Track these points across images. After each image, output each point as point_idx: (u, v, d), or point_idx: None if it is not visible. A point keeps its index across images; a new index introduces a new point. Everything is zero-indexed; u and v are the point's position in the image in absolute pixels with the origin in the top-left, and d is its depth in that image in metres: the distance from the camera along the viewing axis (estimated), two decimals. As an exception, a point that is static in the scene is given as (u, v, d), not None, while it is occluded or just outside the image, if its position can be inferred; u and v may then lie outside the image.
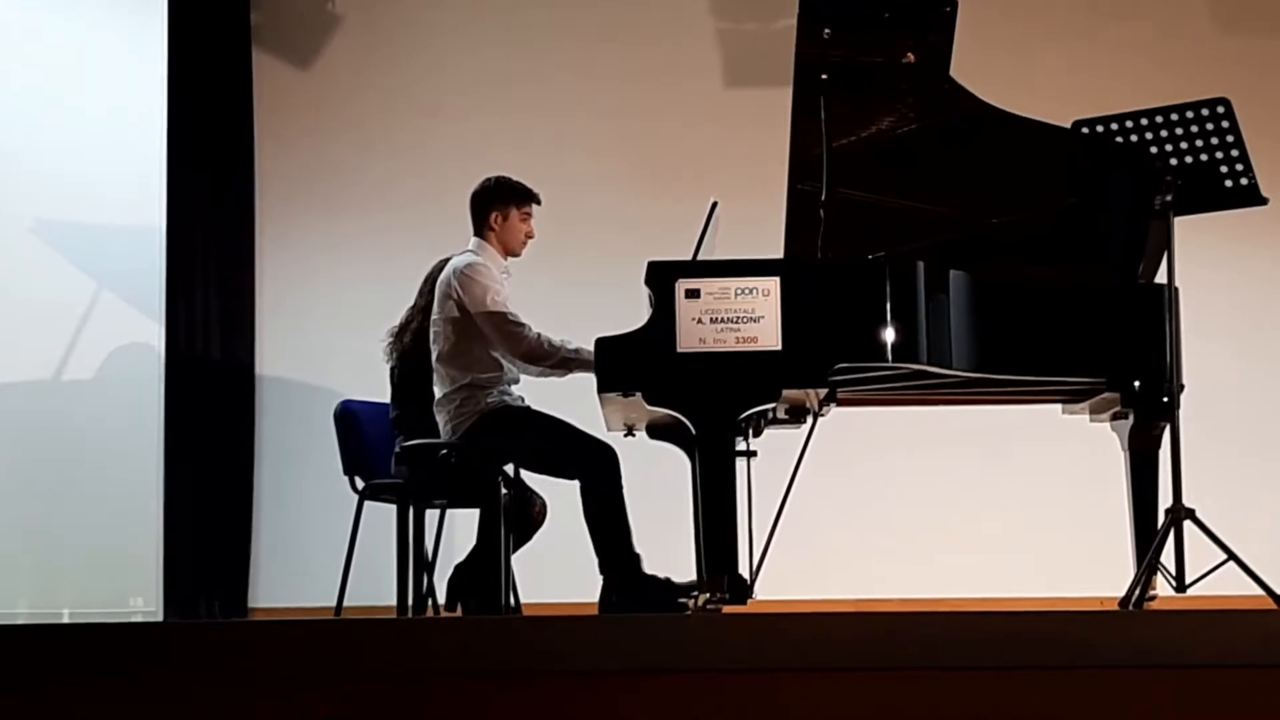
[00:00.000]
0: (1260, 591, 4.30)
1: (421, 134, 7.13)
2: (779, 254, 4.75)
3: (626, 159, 7.09)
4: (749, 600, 4.54)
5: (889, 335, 4.30)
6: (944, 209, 4.82)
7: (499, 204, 5.20)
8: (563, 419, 5.07)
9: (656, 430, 4.99)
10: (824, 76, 4.57)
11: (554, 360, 4.99)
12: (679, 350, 4.32)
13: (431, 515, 5.44)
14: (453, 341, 5.10)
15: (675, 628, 3.55)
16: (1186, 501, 4.38)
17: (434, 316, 5.16)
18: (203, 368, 6.87)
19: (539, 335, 5.00)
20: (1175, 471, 4.39)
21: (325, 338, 6.99)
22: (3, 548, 6.37)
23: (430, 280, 5.30)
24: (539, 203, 5.24)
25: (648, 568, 4.90)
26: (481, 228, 5.22)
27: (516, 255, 5.25)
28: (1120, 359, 4.59)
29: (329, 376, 6.77)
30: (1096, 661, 3.15)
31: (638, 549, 4.90)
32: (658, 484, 5.13)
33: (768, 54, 6.69)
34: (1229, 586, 4.30)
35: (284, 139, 7.14)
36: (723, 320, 4.31)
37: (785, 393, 4.42)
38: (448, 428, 5.12)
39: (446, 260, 5.24)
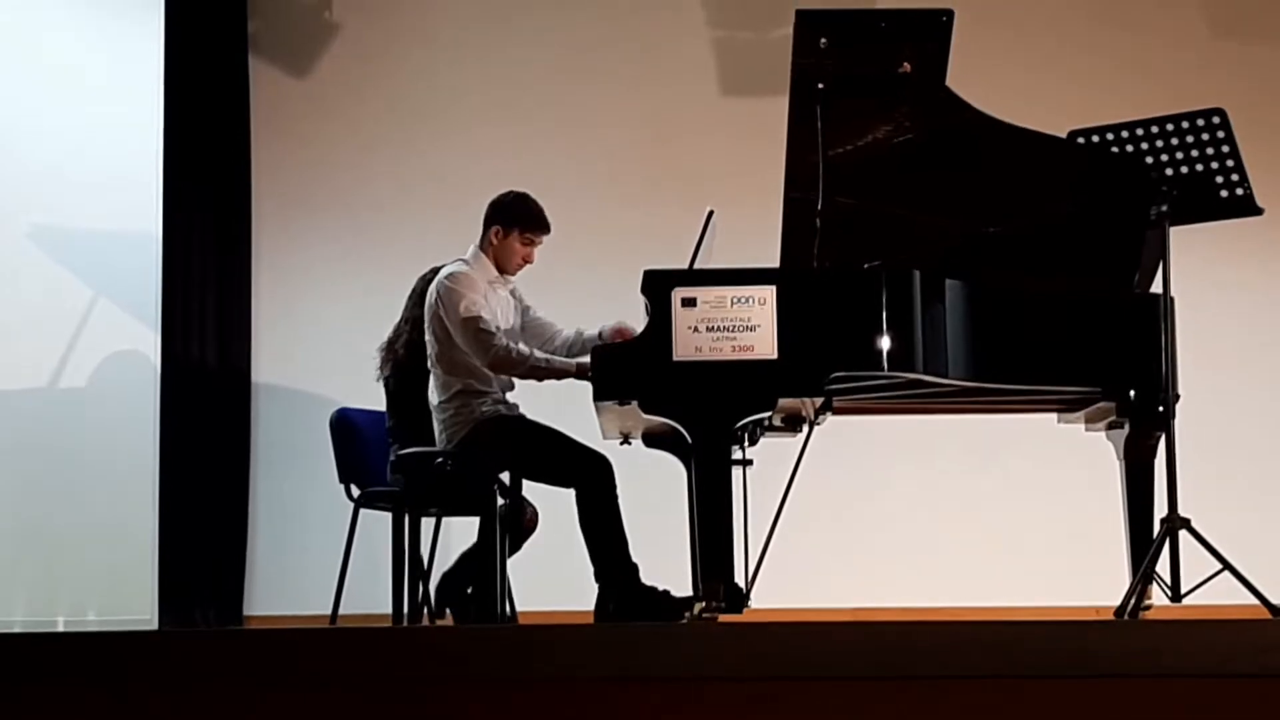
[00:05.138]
0: (1255, 601, 4.30)
1: (418, 142, 7.14)
2: (775, 263, 4.76)
3: (623, 167, 7.10)
4: (745, 609, 4.54)
5: (885, 344, 4.31)
6: (940, 218, 4.82)
7: (504, 222, 5.17)
8: (556, 428, 5.07)
9: (653, 439, 4.99)
10: (820, 86, 4.57)
11: (522, 369, 4.99)
12: (675, 359, 4.32)
13: (427, 523, 5.43)
14: (440, 350, 5.11)
15: (671, 636, 3.55)
16: (1182, 511, 4.39)
17: (425, 323, 5.17)
18: (199, 375, 6.87)
19: (508, 344, 4.99)
20: (1170, 481, 4.40)
21: (321, 345, 6.99)
22: (-2, 555, 6.38)
23: (418, 291, 5.31)
24: (548, 232, 5.21)
25: (644, 577, 4.90)
26: (483, 238, 5.22)
27: (508, 274, 5.24)
28: (1116, 369, 4.60)
29: (325, 384, 6.77)
30: (1092, 671, 3.15)
31: (635, 559, 4.90)
32: (654, 492, 5.14)
33: (764, 63, 6.70)
34: (1224, 596, 4.31)
35: (281, 147, 7.14)
36: (719, 329, 4.31)
37: (781, 401, 4.42)
38: (443, 436, 5.13)
39: (437, 270, 5.25)
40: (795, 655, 3.19)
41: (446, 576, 5.29)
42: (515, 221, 5.17)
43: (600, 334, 5.11)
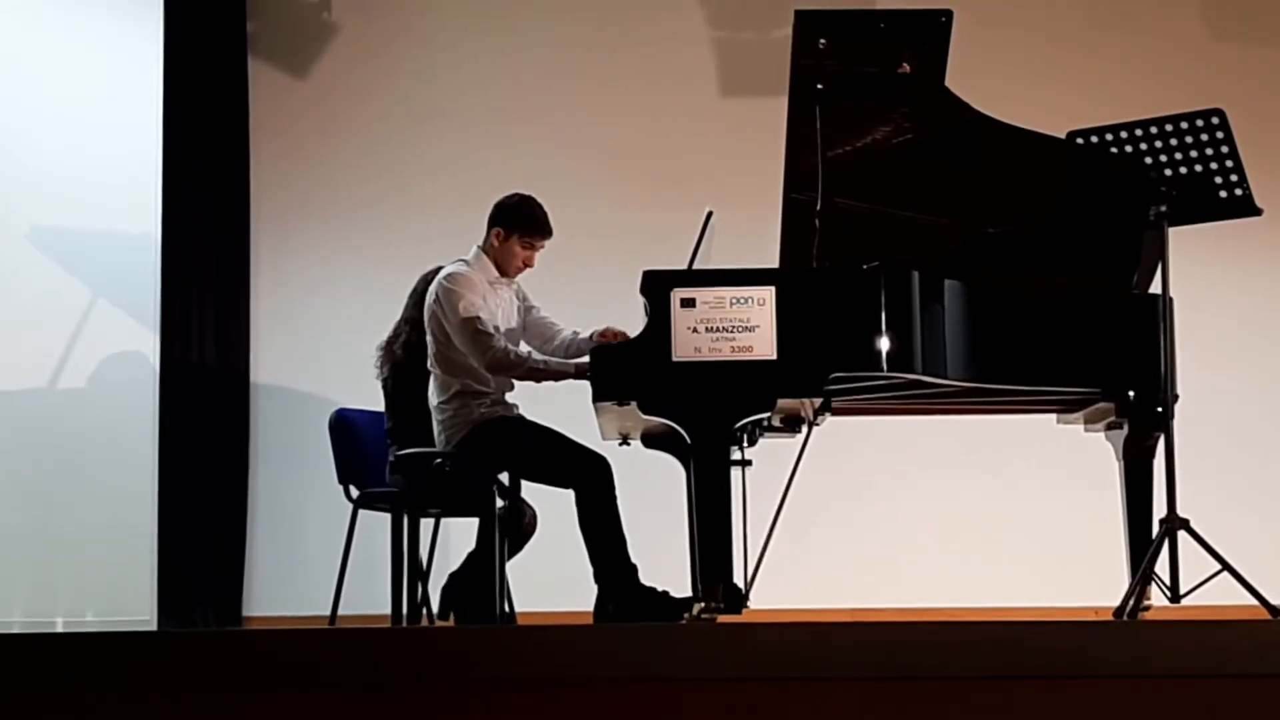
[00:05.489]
0: (1254, 601, 4.30)
1: (417, 142, 7.14)
2: (775, 263, 4.76)
3: (622, 168, 7.10)
4: (744, 609, 4.54)
5: (884, 344, 4.31)
6: (939, 219, 4.83)
7: (505, 225, 5.16)
8: (555, 428, 5.07)
9: (652, 439, 4.99)
10: (819, 86, 4.57)
11: (520, 371, 4.98)
12: (674, 359, 4.32)
13: (426, 524, 5.43)
14: (439, 350, 5.11)
15: (670, 637, 3.55)
16: (1181, 511, 4.39)
17: (425, 323, 5.17)
18: (198, 376, 6.87)
19: (505, 345, 4.99)
20: (1170, 481, 4.40)
21: (320, 346, 6.98)
22: (-3, 555, 6.37)
23: (417, 292, 5.31)
24: (549, 237, 5.19)
25: (644, 577, 4.90)
26: (485, 239, 5.21)
27: (508, 277, 5.24)
28: (1115, 369, 4.60)
29: (324, 385, 6.77)
30: (1091, 672, 3.15)
31: (634, 559, 4.90)
32: (653, 493, 5.14)
33: (764, 63, 6.70)
34: (1223, 597, 4.31)
35: (280, 147, 7.13)
36: (718, 329, 4.31)
37: (780, 402, 4.42)
38: (442, 436, 5.12)
39: (435, 270, 5.24)
40: (794, 655, 3.19)
41: (454, 577, 5.28)
42: (516, 225, 5.16)
43: (591, 338, 5.08)
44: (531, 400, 5.21)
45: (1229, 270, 6.90)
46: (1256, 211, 4.61)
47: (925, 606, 6.50)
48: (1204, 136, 4.59)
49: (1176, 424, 4.49)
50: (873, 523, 6.87)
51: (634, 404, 4.38)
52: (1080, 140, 4.69)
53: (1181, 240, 4.60)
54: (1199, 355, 5.86)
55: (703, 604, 4.37)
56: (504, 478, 5.18)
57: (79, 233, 6.63)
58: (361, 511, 5.40)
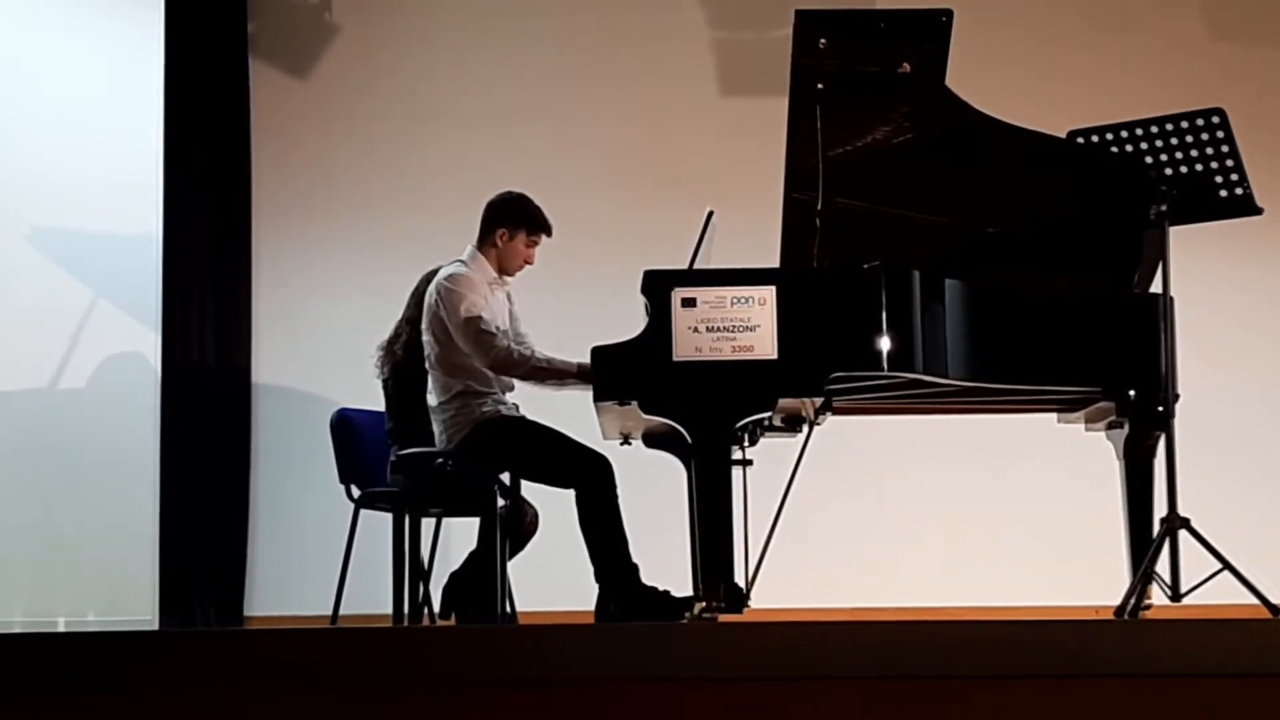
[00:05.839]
0: (1255, 600, 4.30)
1: (418, 143, 7.14)
2: (775, 263, 4.76)
3: (623, 168, 7.10)
4: (745, 609, 4.54)
5: (885, 344, 4.31)
6: (940, 218, 4.83)
7: (510, 224, 5.17)
8: (556, 428, 5.07)
9: (653, 439, 4.99)
10: (820, 86, 4.58)
11: (523, 371, 4.98)
12: (675, 359, 4.32)
13: (428, 524, 5.43)
14: (440, 350, 5.11)
15: (671, 636, 3.55)
16: (1181, 511, 4.39)
17: (423, 324, 5.17)
18: (199, 376, 6.87)
19: (509, 345, 4.99)
20: (1170, 480, 4.40)
21: (322, 346, 6.99)
22: (-2, 555, 6.38)
23: (418, 292, 5.31)
24: (550, 235, 5.22)
25: (645, 577, 4.90)
26: (485, 239, 5.21)
27: (509, 275, 5.24)
28: (1116, 368, 4.60)
29: (325, 384, 6.77)
30: (1091, 671, 3.15)
31: (635, 559, 4.90)
32: (654, 492, 5.14)
33: (764, 63, 6.70)
34: (1224, 596, 4.32)
35: (281, 148, 7.13)
36: (719, 329, 4.32)
37: (781, 402, 4.42)
38: (443, 436, 5.12)
39: (435, 271, 5.25)
40: (795, 655, 3.19)
41: (455, 577, 5.28)
42: (522, 223, 5.17)
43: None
44: (532, 400, 5.21)
45: (1229, 270, 6.90)
46: (1257, 211, 4.62)
47: (926, 606, 6.50)
48: (1204, 136, 4.59)
49: (1177, 423, 4.49)
50: (873, 523, 6.87)
51: (635, 404, 4.39)
52: (1081, 140, 4.69)
53: (1181, 240, 4.60)
54: (1199, 355, 5.87)
55: (703, 604, 4.37)
56: (505, 477, 5.18)
57: (79, 233, 6.64)
58: (363, 511, 5.40)
